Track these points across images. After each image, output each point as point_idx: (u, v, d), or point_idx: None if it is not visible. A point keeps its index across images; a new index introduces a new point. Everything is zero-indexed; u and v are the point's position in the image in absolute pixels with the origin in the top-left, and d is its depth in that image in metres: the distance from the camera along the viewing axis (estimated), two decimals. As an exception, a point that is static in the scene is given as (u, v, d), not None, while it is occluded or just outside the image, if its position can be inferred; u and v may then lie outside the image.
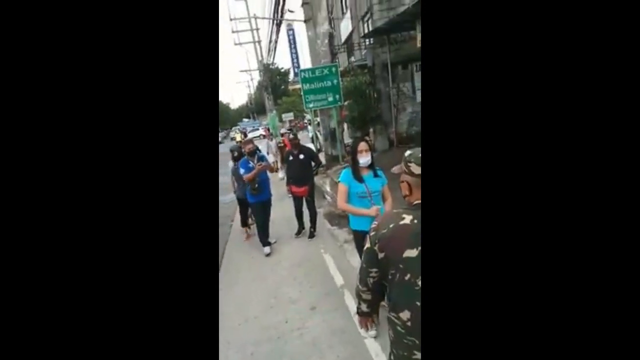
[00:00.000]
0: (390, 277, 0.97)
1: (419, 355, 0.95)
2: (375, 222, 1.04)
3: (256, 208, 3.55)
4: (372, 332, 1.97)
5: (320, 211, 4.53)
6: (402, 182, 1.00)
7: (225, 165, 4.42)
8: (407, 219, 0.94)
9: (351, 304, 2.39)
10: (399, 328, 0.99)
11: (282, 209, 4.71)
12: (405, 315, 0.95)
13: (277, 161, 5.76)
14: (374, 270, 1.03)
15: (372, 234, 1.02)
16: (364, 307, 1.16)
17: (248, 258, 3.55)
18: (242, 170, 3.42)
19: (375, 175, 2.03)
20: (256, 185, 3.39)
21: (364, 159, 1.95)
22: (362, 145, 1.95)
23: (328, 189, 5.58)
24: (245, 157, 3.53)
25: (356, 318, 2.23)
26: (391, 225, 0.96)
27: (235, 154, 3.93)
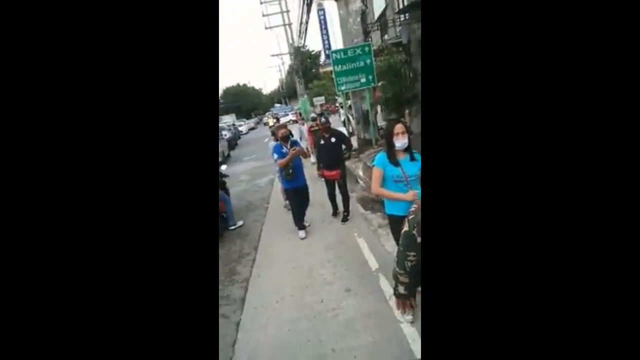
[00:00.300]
0: (430, 262, 0.95)
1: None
2: (415, 206, 1.01)
3: (291, 194, 3.61)
4: (409, 317, 1.96)
5: (353, 196, 4.51)
6: None
7: (267, 147, 4.73)
8: None
9: (387, 288, 2.38)
10: (438, 314, 0.97)
11: (314, 193, 4.77)
12: (445, 301, 0.93)
13: (308, 148, 5.81)
14: (412, 254, 1.01)
15: (410, 217, 1.00)
16: (401, 290, 1.16)
17: (283, 240, 3.67)
18: (275, 156, 3.42)
19: (412, 158, 1.95)
20: (290, 171, 3.41)
21: (401, 142, 1.88)
22: (399, 128, 1.87)
23: (361, 173, 5.52)
24: (279, 142, 3.51)
25: (392, 301, 2.23)
26: (432, 210, 0.93)
27: None
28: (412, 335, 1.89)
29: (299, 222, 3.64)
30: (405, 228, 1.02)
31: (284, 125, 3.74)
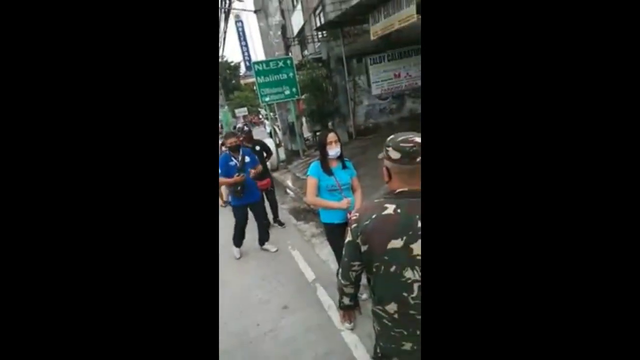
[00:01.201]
0: (374, 269, 0.94)
1: (407, 345, 0.94)
2: (357, 214, 1.00)
3: (238, 211, 3.04)
4: (349, 325, 1.96)
5: (285, 207, 4.44)
6: (383, 167, 0.97)
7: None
8: (390, 208, 0.91)
9: (324, 298, 2.36)
10: (385, 321, 0.96)
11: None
12: (391, 307, 0.93)
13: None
14: (357, 263, 0.99)
15: (353, 226, 0.98)
16: (346, 301, 1.12)
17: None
18: (219, 170, 2.82)
19: (344, 166, 2.00)
20: (238, 188, 2.87)
21: (334, 151, 1.90)
22: (332, 137, 1.90)
23: (290, 184, 5.49)
24: (227, 152, 2.91)
25: (331, 311, 2.21)
26: (373, 216, 0.92)
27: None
28: (354, 342, 1.89)
29: (239, 240, 3.19)
30: (349, 238, 0.99)
31: (233, 134, 3.12)
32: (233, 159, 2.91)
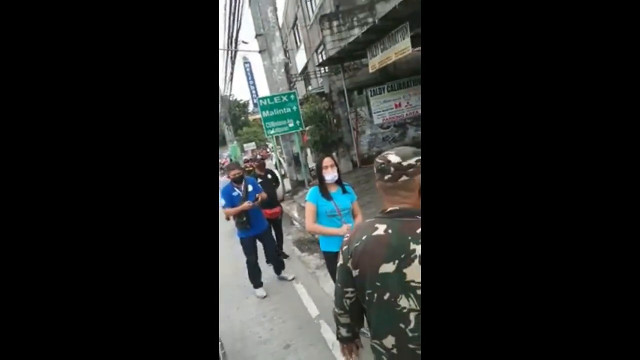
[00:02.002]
0: (367, 297, 0.85)
1: (410, 385, 0.82)
2: (347, 236, 0.93)
3: (247, 244, 2.86)
4: (354, 364, 1.78)
5: (289, 238, 4.34)
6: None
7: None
8: (381, 229, 0.84)
9: (329, 336, 2.18)
10: (384, 357, 0.85)
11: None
12: (389, 341, 0.83)
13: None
14: (350, 290, 0.91)
15: (344, 248, 0.91)
16: (343, 332, 1.02)
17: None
18: (222, 202, 2.70)
19: (344, 191, 1.95)
20: (244, 219, 2.74)
21: (330, 175, 1.87)
22: (327, 161, 1.87)
23: (295, 214, 5.42)
24: (230, 183, 2.83)
25: (335, 351, 2.03)
26: (364, 237, 0.85)
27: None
28: (361, 386, 1.70)
29: (256, 277, 2.95)
30: (340, 261, 0.92)
31: (236, 165, 3.09)
32: (236, 189, 2.85)
